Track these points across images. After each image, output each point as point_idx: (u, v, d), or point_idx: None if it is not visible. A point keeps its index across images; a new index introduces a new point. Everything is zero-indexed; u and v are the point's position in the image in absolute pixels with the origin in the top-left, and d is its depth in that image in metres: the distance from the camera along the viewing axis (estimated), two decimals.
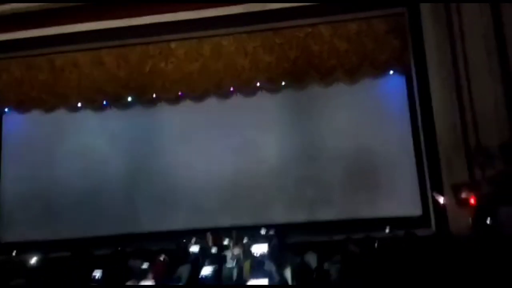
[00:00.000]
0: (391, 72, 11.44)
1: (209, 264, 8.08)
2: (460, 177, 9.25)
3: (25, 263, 9.29)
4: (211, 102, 12.28)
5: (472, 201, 8.84)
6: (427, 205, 10.77)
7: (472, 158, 9.13)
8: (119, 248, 10.02)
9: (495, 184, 8.69)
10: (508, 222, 8.25)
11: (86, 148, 12.58)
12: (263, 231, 9.77)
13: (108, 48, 12.15)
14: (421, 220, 10.66)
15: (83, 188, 12.33)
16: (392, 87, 11.59)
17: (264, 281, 6.48)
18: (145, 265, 8.12)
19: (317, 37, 11.35)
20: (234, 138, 12.01)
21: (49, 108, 12.58)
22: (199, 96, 12.22)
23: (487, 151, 8.94)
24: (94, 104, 12.53)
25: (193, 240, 9.63)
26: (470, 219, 8.79)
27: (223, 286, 7.63)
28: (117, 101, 12.48)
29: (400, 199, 11.04)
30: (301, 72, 11.43)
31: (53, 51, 12.24)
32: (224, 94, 12.18)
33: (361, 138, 11.45)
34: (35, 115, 12.75)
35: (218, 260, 8.44)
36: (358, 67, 11.21)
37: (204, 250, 9.25)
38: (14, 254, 10.21)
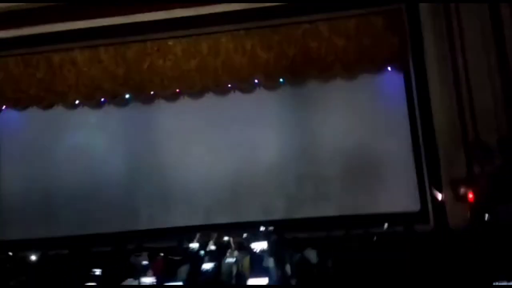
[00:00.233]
0: (389, 68, 11.45)
1: (209, 261, 8.11)
2: (458, 172, 9.29)
3: (24, 261, 9.29)
4: (209, 99, 12.27)
5: (470, 196, 8.87)
6: (425, 201, 10.79)
7: (470, 153, 9.16)
8: (118, 246, 10.04)
9: (493, 180, 8.72)
10: (507, 218, 8.28)
11: (84, 145, 12.55)
12: (262, 228, 9.79)
13: (106, 45, 12.10)
14: (420, 216, 10.65)
15: (82, 185, 12.30)
16: (390, 83, 11.58)
17: (264, 279, 6.52)
18: (145, 262, 8.12)
19: (315, 34, 11.31)
20: (232, 135, 12.00)
21: (46, 105, 12.54)
22: (197, 93, 12.20)
23: (486, 147, 8.96)
24: (92, 102, 12.51)
25: (196, 236, 9.63)
26: (468, 214, 8.83)
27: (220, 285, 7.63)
28: (115, 98, 12.46)
29: (398, 194, 11.04)
30: (299, 69, 11.42)
31: (51, 49, 12.18)
32: (222, 91, 12.17)
33: (359, 134, 11.45)
34: (33, 112, 12.71)
35: (218, 257, 8.47)
36: (356, 63, 11.20)
37: (204, 247, 9.28)
38: (11, 253, 10.13)
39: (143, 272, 7.79)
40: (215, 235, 9.75)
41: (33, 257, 9.51)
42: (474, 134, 9.24)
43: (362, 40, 11.08)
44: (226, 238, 9.48)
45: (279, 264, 7.73)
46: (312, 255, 8.04)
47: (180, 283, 7.18)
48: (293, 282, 7.34)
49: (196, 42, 11.79)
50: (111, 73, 12.04)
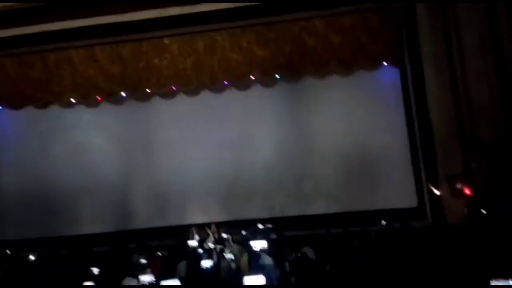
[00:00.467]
0: (385, 64, 11.47)
1: (208, 258, 8.13)
2: (455, 168, 9.30)
3: (22, 260, 9.29)
4: (206, 96, 12.26)
5: (467, 191, 8.89)
6: (422, 197, 10.82)
7: (467, 149, 9.17)
8: (116, 245, 10.04)
9: (490, 175, 8.74)
10: (503, 213, 8.31)
11: (81, 144, 12.54)
12: (261, 226, 9.81)
13: (102, 44, 12.04)
14: (417, 212, 10.70)
15: (79, 184, 12.28)
16: (386, 79, 11.60)
17: (259, 276, 6.54)
18: (143, 261, 8.13)
19: (311, 30, 11.30)
20: (229, 133, 12.01)
21: (42, 104, 12.51)
22: (193, 91, 12.19)
23: (482, 142, 8.98)
24: (88, 100, 12.49)
25: (193, 234, 9.64)
26: (465, 210, 8.85)
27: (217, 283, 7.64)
28: (111, 97, 12.45)
29: (396, 191, 11.07)
30: (295, 66, 11.42)
31: (46, 48, 12.12)
32: (219, 89, 12.16)
33: (356, 130, 11.47)
34: (29, 111, 12.66)
35: (217, 254, 8.48)
36: (352, 59, 11.21)
37: (203, 244, 9.30)
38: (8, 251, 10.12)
39: (142, 270, 7.79)
40: (214, 232, 9.79)
41: (32, 257, 9.50)
42: (470, 130, 9.25)
43: (358, 36, 11.08)
44: (224, 236, 9.49)
45: (278, 261, 7.75)
46: (310, 252, 8.07)
47: (178, 282, 7.15)
48: (291, 279, 7.35)
49: (192, 41, 11.75)
50: (107, 72, 12.00)
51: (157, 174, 12.29)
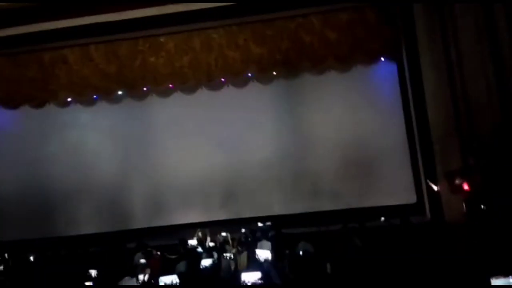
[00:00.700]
0: (382, 59, 11.46)
1: (207, 257, 8.11)
2: (453, 164, 9.29)
3: (21, 261, 9.25)
4: (203, 94, 12.23)
5: (465, 188, 8.88)
6: (421, 193, 10.83)
7: (465, 145, 9.16)
8: (115, 245, 10.02)
9: (488, 171, 8.73)
10: (502, 208, 8.32)
11: (78, 143, 12.52)
12: (260, 224, 9.80)
13: (97, 43, 11.97)
14: (416, 208, 10.72)
15: (76, 184, 12.27)
16: (384, 74, 11.60)
17: (256, 273, 6.55)
18: (142, 260, 8.11)
19: (308, 27, 11.25)
20: (227, 130, 11.99)
21: (38, 103, 12.45)
22: (190, 89, 12.16)
23: (480, 138, 8.97)
24: (84, 99, 12.43)
25: (196, 233, 9.62)
26: (464, 205, 8.85)
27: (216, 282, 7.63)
28: (108, 96, 12.40)
29: (394, 187, 11.10)
30: (293, 62, 11.40)
31: (41, 48, 12.04)
32: (216, 86, 12.12)
33: (354, 127, 11.48)
34: (26, 111, 12.58)
35: (216, 253, 8.46)
36: (349, 55, 11.19)
37: (202, 243, 9.28)
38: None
39: (142, 270, 7.77)
40: (213, 231, 9.77)
41: (30, 258, 9.47)
42: (468, 126, 9.24)
43: (355, 32, 11.04)
44: (223, 235, 9.48)
45: (277, 259, 7.74)
46: (309, 249, 8.06)
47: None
48: (290, 277, 7.34)
49: (188, 38, 11.69)
50: (102, 71, 11.93)
51: (155, 173, 12.28)
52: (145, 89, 12.21)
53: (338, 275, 6.75)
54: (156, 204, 12.06)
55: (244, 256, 8.22)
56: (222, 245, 8.93)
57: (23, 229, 12.00)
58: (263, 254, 7.77)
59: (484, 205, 8.46)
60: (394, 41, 10.96)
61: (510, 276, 5.06)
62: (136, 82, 11.97)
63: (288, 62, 11.38)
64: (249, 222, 10.10)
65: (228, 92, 12.11)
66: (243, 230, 9.47)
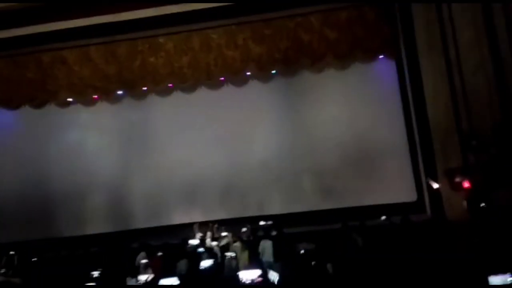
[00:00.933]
0: (382, 57, 11.46)
1: (208, 256, 8.13)
2: (453, 162, 9.29)
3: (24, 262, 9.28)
4: (202, 93, 12.24)
5: (466, 185, 8.88)
6: (422, 191, 10.83)
7: (465, 142, 9.15)
8: (117, 245, 10.04)
9: (488, 168, 8.73)
10: (502, 204, 8.32)
11: (78, 143, 12.53)
12: (262, 222, 9.81)
13: (96, 44, 11.99)
14: (416, 206, 10.71)
15: (77, 185, 12.26)
16: (383, 72, 11.59)
17: (257, 270, 6.56)
18: (144, 260, 8.12)
19: (307, 26, 11.26)
20: (227, 129, 11.99)
21: (39, 103, 12.48)
22: (189, 88, 12.17)
23: (480, 135, 8.96)
24: (84, 99, 12.45)
25: (195, 228, 9.63)
26: (464, 203, 8.85)
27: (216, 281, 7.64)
28: (108, 96, 12.43)
29: (395, 185, 11.09)
30: (292, 61, 11.41)
31: (40, 49, 12.05)
32: (215, 85, 12.14)
33: (354, 125, 11.47)
34: (26, 111, 12.59)
35: (217, 252, 8.48)
36: (348, 53, 11.21)
37: (204, 242, 9.29)
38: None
39: (143, 270, 7.79)
40: (214, 230, 9.78)
41: (33, 259, 9.50)
42: (468, 123, 9.23)
43: (354, 31, 11.05)
44: (225, 234, 9.49)
45: (278, 258, 7.76)
46: (309, 247, 8.07)
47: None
48: (292, 275, 7.34)
49: (187, 39, 11.71)
50: (102, 71, 11.95)
51: (155, 172, 12.27)
52: (144, 88, 12.19)
53: (339, 273, 6.75)
54: (156, 204, 12.06)
55: (245, 255, 8.23)
56: (223, 244, 8.93)
57: (24, 230, 12.00)
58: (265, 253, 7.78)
59: (484, 202, 8.46)
60: (393, 39, 10.97)
61: (508, 274, 5.07)
62: (136, 83, 12.00)
63: (287, 61, 11.39)
64: (250, 221, 10.09)
65: (228, 91, 12.11)
66: (244, 229, 9.48)
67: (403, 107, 11.27)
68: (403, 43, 10.80)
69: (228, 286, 7.44)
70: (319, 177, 11.54)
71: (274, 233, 9.04)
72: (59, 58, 12.07)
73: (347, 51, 11.18)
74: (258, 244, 8.43)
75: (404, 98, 11.23)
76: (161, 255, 8.81)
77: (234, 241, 8.88)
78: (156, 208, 12.09)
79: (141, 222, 11.99)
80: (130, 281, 7.49)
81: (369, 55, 11.35)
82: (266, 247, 8.24)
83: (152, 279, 7.49)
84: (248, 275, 6.58)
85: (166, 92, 12.30)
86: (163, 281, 7.00)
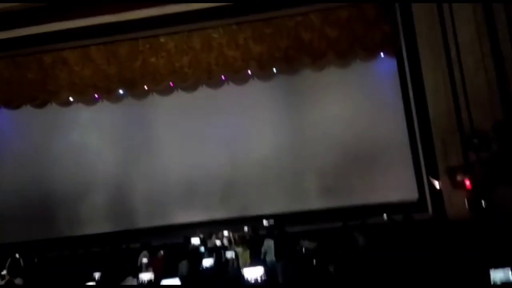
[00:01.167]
0: (382, 55, 11.47)
1: (210, 256, 8.12)
2: (455, 160, 9.26)
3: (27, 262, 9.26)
4: (203, 92, 12.25)
5: (467, 183, 8.87)
6: (423, 190, 10.82)
7: (466, 140, 9.13)
8: (118, 245, 10.03)
9: (490, 166, 8.72)
10: (503, 202, 8.31)
11: (80, 143, 12.55)
12: (265, 222, 9.79)
13: (97, 44, 12.01)
14: (418, 205, 10.71)
15: (79, 185, 12.28)
16: (384, 70, 11.59)
17: (260, 268, 6.55)
18: (145, 260, 8.12)
19: (307, 25, 11.28)
20: (228, 129, 12.01)
21: (40, 103, 12.51)
22: (190, 87, 12.19)
23: (481, 134, 8.94)
24: (85, 98, 12.46)
25: (197, 232, 9.62)
26: (466, 201, 8.83)
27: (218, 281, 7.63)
28: (109, 95, 12.44)
29: (396, 184, 11.08)
30: (293, 60, 11.43)
31: (41, 49, 12.07)
32: (216, 84, 12.15)
33: (355, 124, 11.48)
34: (28, 111, 12.62)
35: (218, 252, 8.47)
36: (349, 51, 11.23)
37: (205, 242, 9.28)
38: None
39: (145, 269, 7.78)
40: (216, 230, 9.77)
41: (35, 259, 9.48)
42: (469, 121, 9.21)
43: (355, 29, 11.06)
44: (226, 233, 9.48)
45: (280, 257, 7.74)
46: (311, 246, 8.06)
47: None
48: (293, 274, 7.33)
49: (188, 38, 11.73)
50: (103, 72, 11.99)
51: (156, 172, 12.30)
52: (146, 87, 12.21)
53: (341, 272, 6.73)
54: (157, 203, 12.07)
55: (246, 254, 8.22)
56: (225, 244, 8.92)
57: (25, 230, 12.00)
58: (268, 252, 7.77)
59: (485, 201, 8.45)
60: (393, 36, 10.96)
61: (509, 268, 5.06)
62: (137, 83, 12.02)
63: (288, 60, 11.40)
64: (252, 220, 10.08)
65: (229, 90, 12.13)
66: (246, 229, 9.47)
67: (404, 105, 11.26)
68: (403, 40, 10.78)
69: (230, 285, 7.44)
70: (320, 175, 11.54)
71: (275, 232, 9.03)
72: (60, 58, 12.11)
73: (347, 49, 11.20)
74: (259, 244, 8.41)
75: (405, 96, 11.22)
76: (163, 255, 8.80)
77: (236, 241, 8.87)
78: (157, 208, 12.11)
79: (142, 221, 12.01)
80: (132, 281, 7.48)
81: (370, 53, 11.36)
82: (269, 246, 8.22)
83: (154, 278, 7.49)
84: (252, 273, 6.55)
85: (167, 91, 12.32)
86: (165, 282, 6.98)
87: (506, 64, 9.22)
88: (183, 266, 7.95)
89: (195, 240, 9.15)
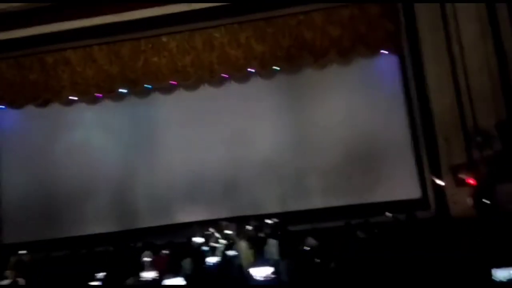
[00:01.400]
0: (384, 52, 11.38)
1: (213, 254, 8.13)
2: (458, 158, 9.25)
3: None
4: (205, 90, 12.26)
5: (471, 181, 8.85)
6: (426, 188, 10.78)
7: (469, 138, 9.11)
8: (121, 244, 10.05)
9: (493, 164, 8.70)
10: (506, 199, 8.29)
11: (82, 143, 12.53)
12: (268, 221, 9.80)
13: (99, 45, 12.02)
14: (421, 203, 10.67)
15: (82, 185, 12.28)
16: (386, 68, 11.54)
17: (268, 268, 6.55)
18: (148, 259, 8.13)
19: (309, 24, 11.26)
20: (230, 127, 11.96)
21: (42, 102, 12.50)
22: (192, 85, 12.19)
23: (485, 131, 8.93)
24: (87, 97, 12.45)
25: (201, 231, 9.64)
26: (469, 199, 8.82)
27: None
28: (111, 94, 12.45)
29: (399, 182, 11.03)
30: (294, 58, 11.41)
31: (43, 50, 12.10)
32: (218, 83, 12.15)
33: (356, 121, 11.42)
34: (30, 110, 12.62)
35: (221, 251, 8.48)
36: (351, 49, 11.20)
37: (208, 240, 9.29)
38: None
39: (148, 268, 7.79)
40: (219, 229, 9.77)
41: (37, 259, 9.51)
42: (472, 119, 9.19)
43: (357, 28, 11.03)
44: (229, 232, 9.48)
45: (283, 256, 7.74)
46: (314, 245, 8.06)
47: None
48: (296, 273, 7.34)
49: (190, 38, 11.73)
50: (105, 72, 11.99)
51: (159, 171, 12.27)
52: (148, 86, 12.23)
53: (343, 271, 6.74)
54: (160, 202, 12.05)
55: (250, 253, 8.22)
56: (228, 243, 8.92)
57: (28, 230, 12.02)
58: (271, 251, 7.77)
59: (488, 199, 8.44)
60: (396, 34, 10.92)
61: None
62: (139, 82, 12.03)
63: (290, 59, 11.39)
64: (254, 219, 10.07)
65: (231, 88, 12.13)
66: (249, 227, 9.47)
67: (407, 103, 11.22)
68: (406, 39, 10.76)
69: (234, 284, 7.45)
70: (323, 174, 11.49)
71: (279, 230, 9.03)
72: (62, 59, 12.12)
73: (350, 48, 11.18)
74: (262, 242, 8.41)
75: (408, 93, 11.17)
76: (166, 254, 8.81)
77: (239, 240, 8.88)
78: (160, 207, 12.07)
79: (145, 220, 11.98)
80: (134, 280, 7.49)
81: (372, 51, 11.31)
82: (272, 245, 8.23)
83: (157, 277, 7.50)
84: (258, 272, 6.56)
85: (169, 89, 12.31)
86: (168, 281, 6.99)
87: (509, 62, 9.21)
88: (186, 265, 7.97)
89: (198, 239, 9.15)
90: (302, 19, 11.27)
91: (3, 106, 12.69)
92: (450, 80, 9.36)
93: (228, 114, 11.98)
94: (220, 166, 11.84)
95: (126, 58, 11.89)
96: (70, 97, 12.36)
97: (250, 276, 6.62)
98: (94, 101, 12.56)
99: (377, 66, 11.61)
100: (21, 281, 8.10)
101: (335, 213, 10.48)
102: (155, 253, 8.67)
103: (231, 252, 8.23)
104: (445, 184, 9.39)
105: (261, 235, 8.83)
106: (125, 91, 12.32)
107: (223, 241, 9.06)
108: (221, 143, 11.92)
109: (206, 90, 12.19)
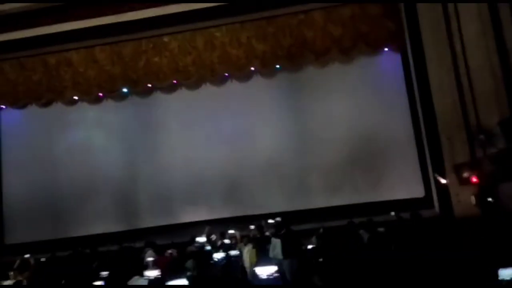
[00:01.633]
0: (386, 50, 11.43)
1: (216, 254, 8.11)
2: (461, 157, 9.21)
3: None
4: (207, 89, 12.25)
5: (474, 180, 8.82)
6: (429, 186, 10.76)
7: (472, 137, 9.07)
8: (124, 244, 10.04)
9: (496, 162, 8.66)
10: (510, 198, 8.26)
11: (85, 143, 12.59)
12: (270, 220, 9.78)
13: (101, 45, 12.07)
14: (424, 202, 10.65)
15: (84, 184, 12.31)
16: (388, 66, 11.53)
17: (273, 267, 6.52)
18: (150, 259, 8.11)
19: (310, 23, 11.27)
20: (231, 127, 12.00)
21: (45, 102, 12.60)
22: (194, 84, 12.21)
23: (488, 130, 8.89)
24: (89, 97, 12.51)
25: (205, 230, 9.62)
26: (472, 198, 8.79)
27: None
28: (113, 94, 12.47)
29: (402, 181, 11.04)
30: (296, 58, 11.41)
31: (46, 51, 12.14)
32: (219, 82, 12.16)
33: (359, 120, 11.43)
34: (33, 110, 12.70)
35: (225, 251, 8.46)
36: (353, 48, 11.23)
37: (211, 240, 9.28)
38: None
39: (151, 268, 7.76)
40: (221, 228, 9.76)
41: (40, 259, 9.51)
42: (475, 117, 9.15)
43: (358, 27, 11.04)
44: (232, 232, 9.47)
45: (286, 254, 7.72)
46: (317, 244, 8.05)
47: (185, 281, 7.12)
48: (299, 273, 7.32)
49: (191, 38, 11.76)
50: (107, 72, 12.04)
51: (161, 170, 12.30)
52: (149, 85, 12.22)
53: (346, 270, 6.72)
54: (162, 202, 12.07)
55: (253, 253, 8.20)
56: (231, 243, 8.91)
57: (31, 231, 12.04)
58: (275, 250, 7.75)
59: (492, 197, 8.40)
60: (397, 32, 10.91)
61: None
62: (141, 83, 12.06)
63: (291, 57, 11.39)
64: (257, 218, 10.07)
65: (232, 87, 12.16)
66: (252, 227, 9.46)
67: (409, 101, 11.20)
68: (408, 36, 10.72)
69: (237, 284, 7.43)
70: (325, 173, 11.49)
71: (282, 230, 8.99)
72: (64, 59, 12.17)
73: (351, 46, 11.19)
74: (265, 242, 8.39)
75: (410, 92, 11.15)
76: (170, 254, 8.78)
77: (242, 239, 8.86)
78: (162, 206, 12.10)
79: (148, 220, 12.00)
80: (137, 280, 7.47)
81: (374, 50, 11.36)
82: (275, 244, 8.20)
83: (160, 277, 7.48)
84: (263, 271, 6.54)
85: (170, 89, 12.35)
86: (172, 282, 6.97)
87: (511, 60, 9.16)
88: (189, 265, 7.94)
89: (201, 239, 9.14)
90: (303, 19, 11.28)
91: (5, 106, 12.76)
92: (452, 78, 9.31)
93: (229, 113, 12.00)
94: (222, 165, 11.85)
95: (128, 58, 11.93)
96: (72, 97, 12.41)
97: (253, 276, 6.60)
98: (96, 101, 12.61)
99: (379, 65, 11.60)
100: (26, 281, 8.10)
101: (339, 212, 10.49)
102: (157, 252, 8.65)
103: (234, 252, 8.20)
104: (449, 183, 9.34)
105: (264, 234, 8.79)
106: (126, 91, 12.36)
107: (226, 241, 9.05)
108: (223, 142, 11.93)
109: (207, 90, 12.22)
